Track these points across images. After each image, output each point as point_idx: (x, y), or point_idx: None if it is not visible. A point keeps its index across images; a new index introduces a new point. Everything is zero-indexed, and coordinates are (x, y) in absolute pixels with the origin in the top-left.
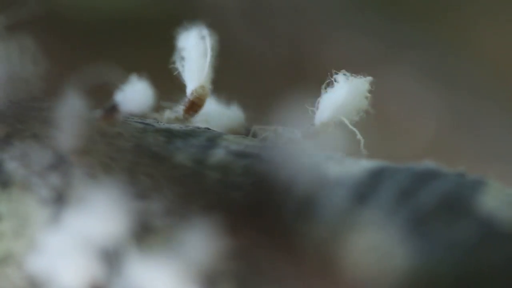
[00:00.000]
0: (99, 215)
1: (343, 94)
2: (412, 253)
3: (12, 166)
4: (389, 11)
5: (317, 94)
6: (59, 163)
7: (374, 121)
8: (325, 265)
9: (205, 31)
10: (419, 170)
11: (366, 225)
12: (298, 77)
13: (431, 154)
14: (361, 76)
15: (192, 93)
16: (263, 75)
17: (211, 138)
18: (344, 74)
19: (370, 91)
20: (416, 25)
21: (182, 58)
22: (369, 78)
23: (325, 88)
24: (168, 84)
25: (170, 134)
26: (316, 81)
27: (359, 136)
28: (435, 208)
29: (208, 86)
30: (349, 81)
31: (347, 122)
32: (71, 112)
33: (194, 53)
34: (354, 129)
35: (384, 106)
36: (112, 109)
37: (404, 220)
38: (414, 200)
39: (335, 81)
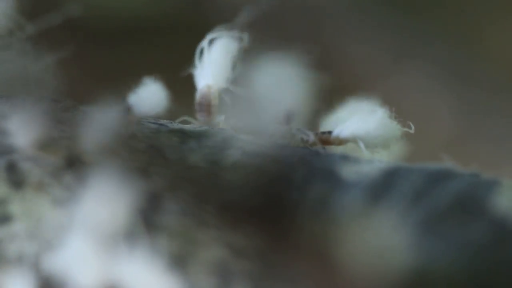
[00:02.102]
0: (112, 214)
1: (372, 127)
2: (425, 252)
3: (26, 166)
4: (402, 9)
5: (333, 95)
6: (73, 163)
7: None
8: (338, 265)
9: (231, 35)
10: (433, 170)
11: (379, 226)
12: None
13: (445, 152)
14: (398, 121)
15: (197, 94)
16: None
17: (225, 139)
18: (385, 111)
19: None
20: (430, 23)
21: (200, 60)
22: (403, 129)
23: (361, 111)
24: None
25: (183, 135)
26: (330, 81)
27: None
28: (448, 208)
29: (217, 86)
30: (384, 120)
31: (363, 148)
32: (102, 120)
33: (211, 54)
34: (370, 155)
35: (397, 104)
36: (126, 111)
37: (417, 220)
38: (427, 201)
39: (374, 111)
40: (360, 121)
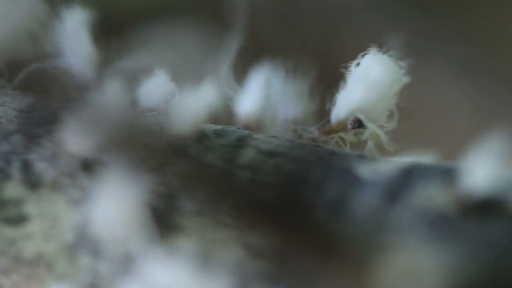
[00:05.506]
0: (128, 215)
1: (359, 90)
2: (444, 254)
3: (42, 167)
4: (422, 4)
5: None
6: (88, 163)
7: (406, 115)
8: (355, 265)
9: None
10: (450, 168)
11: (397, 226)
12: (329, 74)
13: (464, 149)
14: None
15: (237, 119)
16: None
17: (241, 138)
18: (355, 69)
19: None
20: (450, 18)
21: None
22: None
23: (343, 83)
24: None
25: (200, 134)
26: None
27: (382, 135)
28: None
29: (256, 114)
30: (362, 74)
31: (364, 119)
32: (108, 102)
33: (251, 86)
34: (373, 126)
35: (417, 99)
36: (136, 107)
37: (435, 220)
38: None
39: (349, 76)
40: (346, 94)
